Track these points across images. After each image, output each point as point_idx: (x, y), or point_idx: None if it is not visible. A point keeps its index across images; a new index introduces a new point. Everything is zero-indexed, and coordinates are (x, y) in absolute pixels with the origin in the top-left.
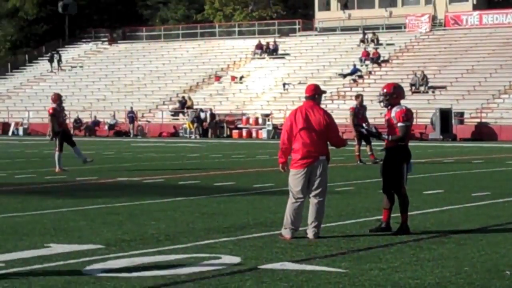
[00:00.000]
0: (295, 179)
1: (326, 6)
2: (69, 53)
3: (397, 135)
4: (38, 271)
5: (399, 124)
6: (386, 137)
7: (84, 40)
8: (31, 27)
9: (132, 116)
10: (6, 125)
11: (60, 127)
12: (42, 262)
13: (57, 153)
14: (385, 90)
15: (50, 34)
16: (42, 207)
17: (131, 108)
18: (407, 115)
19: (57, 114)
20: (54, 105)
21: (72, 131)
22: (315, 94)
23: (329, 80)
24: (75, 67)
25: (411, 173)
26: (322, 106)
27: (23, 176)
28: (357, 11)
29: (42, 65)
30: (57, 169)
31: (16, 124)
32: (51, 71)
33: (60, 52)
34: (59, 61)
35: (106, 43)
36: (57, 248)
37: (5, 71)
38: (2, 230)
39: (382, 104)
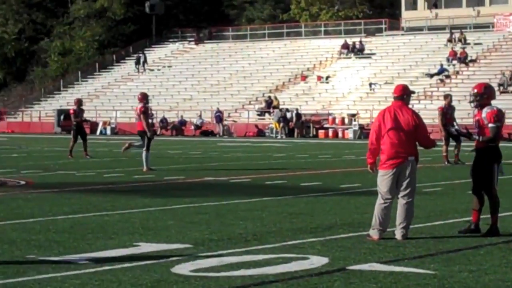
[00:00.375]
0: (383, 180)
1: (412, 5)
2: (156, 53)
3: (487, 135)
4: (128, 270)
5: (490, 125)
6: (477, 137)
7: (170, 40)
8: (119, 27)
9: (219, 116)
10: (94, 125)
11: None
12: (131, 261)
13: (144, 153)
14: (475, 91)
15: (137, 34)
16: (130, 206)
17: (218, 108)
18: (498, 116)
19: (147, 112)
20: (142, 104)
21: (158, 131)
22: (403, 94)
23: (415, 80)
24: (164, 67)
25: (502, 174)
26: (409, 106)
27: (112, 175)
28: (444, 10)
29: (130, 65)
30: (144, 168)
31: (104, 123)
32: (138, 72)
33: (147, 52)
34: (144, 62)
35: (193, 43)
36: (145, 247)
37: (93, 71)
38: (91, 228)
39: (472, 104)
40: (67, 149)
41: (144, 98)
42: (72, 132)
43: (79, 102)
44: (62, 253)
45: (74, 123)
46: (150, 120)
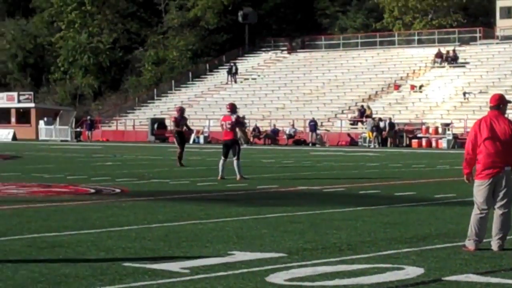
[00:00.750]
0: (479, 190)
1: (507, 14)
2: (249, 62)
3: None
4: (222, 278)
5: None
6: None
7: (263, 49)
8: (212, 37)
9: (314, 125)
10: (187, 133)
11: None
12: (226, 270)
13: (235, 161)
14: None
15: (230, 43)
16: (224, 214)
17: (313, 118)
18: None
19: (241, 122)
20: (236, 114)
21: (251, 139)
22: (500, 103)
23: (510, 90)
24: (259, 75)
25: None
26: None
27: (205, 184)
28: None
29: (222, 74)
30: (238, 177)
31: (197, 132)
32: (227, 83)
33: (240, 61)
34: (235, 73)
35: (285, 52)
36: (240, 255)
37: (186, 80)
38: (186, 237)
39: None
40: (161, 157)
41: (235, 108)
42: (175, 140)
43: (181, 110)
44: (157, 261)
45: (174, 131)
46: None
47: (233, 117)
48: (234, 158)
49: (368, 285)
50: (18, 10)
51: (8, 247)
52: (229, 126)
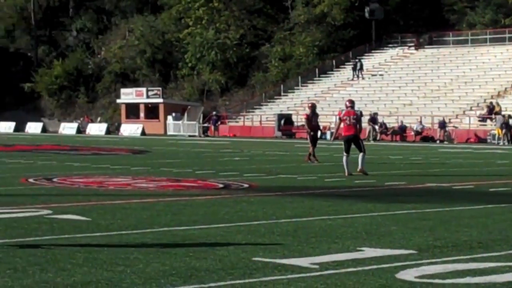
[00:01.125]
0: None
1: None
2: (376, 58)
3: None
4: (352, 274)
5: None
6: None
7: (390, 45)
8: (338, 33)
9: (442, 122)
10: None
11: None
12: (356, 266)
13: (362, 154)
14: None
15: (357, 39)
16: (353, 210)
17: (443, 118)
18: None
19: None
20: (359, 110)
21: (378, 136)
22: None
23: None
24: (386, 72)
25: None
26: None
27: (333, 179)
28: None
29: (349, 71)
30: (359, 168)
31: (324, 128)
32: (351, 79)
33: (366, 57)
34: (360, 70)
35: (413, 48)
36: (369, 252)
37: (313, 76)
38: (315, 232)
39: None
40: (287, 153)
41: (350, 104)
42: (308, 138)
43: (313, 107)
44: (287, 256)
45: (308, 130)
46: None
47: (358, 112)
48: (361, 152)
49: (500, 284)
50: (146, 6)
51: (140, 240)
52: (353, 121)
